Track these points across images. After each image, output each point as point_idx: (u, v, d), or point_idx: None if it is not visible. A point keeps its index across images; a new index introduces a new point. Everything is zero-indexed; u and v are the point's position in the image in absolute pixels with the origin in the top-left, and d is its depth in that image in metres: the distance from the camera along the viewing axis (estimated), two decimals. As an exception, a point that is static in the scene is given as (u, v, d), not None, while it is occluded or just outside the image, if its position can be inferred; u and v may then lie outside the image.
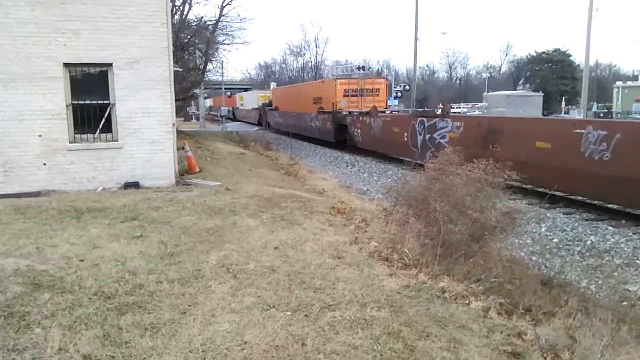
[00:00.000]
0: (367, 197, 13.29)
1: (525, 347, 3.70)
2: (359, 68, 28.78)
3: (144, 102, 10.09)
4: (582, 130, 10.75)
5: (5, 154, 9.43)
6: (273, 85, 54.00)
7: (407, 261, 5.42)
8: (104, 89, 9.99)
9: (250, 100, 51.82)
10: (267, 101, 42.75)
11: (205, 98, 60.41)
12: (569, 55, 67.23)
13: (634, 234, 9.31)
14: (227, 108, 62.15)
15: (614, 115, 46.22)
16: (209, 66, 31.74)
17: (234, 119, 57.36)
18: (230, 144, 23.83)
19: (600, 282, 7.34)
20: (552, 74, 66.66)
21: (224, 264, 5.19)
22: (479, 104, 46.78)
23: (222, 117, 46.94)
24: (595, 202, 11.14)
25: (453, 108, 41.10)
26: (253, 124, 45.22)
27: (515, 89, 62.86)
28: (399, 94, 38.52)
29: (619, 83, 54.64)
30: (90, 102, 9.94)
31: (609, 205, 10.73)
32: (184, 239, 6.10)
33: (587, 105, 28.48)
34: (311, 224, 7.03)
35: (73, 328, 3.72)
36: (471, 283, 4.98)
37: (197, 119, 46.19)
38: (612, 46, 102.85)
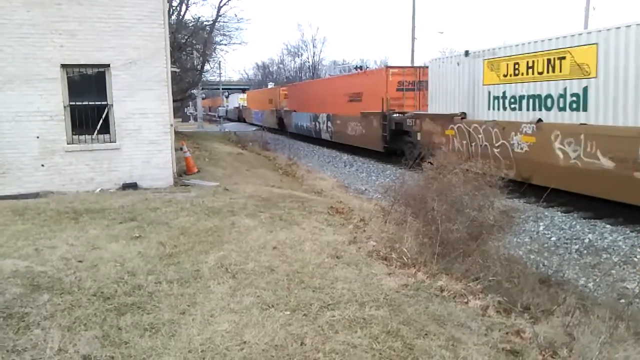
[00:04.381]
0: (366, 196, 13.29)
1: (523, 345, 3.71)
2: (356, 68, 28.87)
3: (141, 103, 10.08)
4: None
5: (3, 155, 9.42)
6: (271, 85, 52.47)
7: (406, 260, 5.43)
8: (102, 90, 9.98)
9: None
10: None
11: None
12: (566, 54, 67.14)
13: (631, 231, 9.34)
14: (224, 108, 62.23)
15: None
16: (207, 66, 31.77)
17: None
18: (228, 144, 23.79)
19: (598, 280, 7.36)
20: (549, 73, 66.54)
21: (223, 264, 5.19)
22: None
23: (219, 117, 46.04)
24: (594, 200, 11.17)
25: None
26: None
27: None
28: None
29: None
30: (88, 103, 9.93)
31: (607, 204, 10.75)
32: (183, 239, 6.10)
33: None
34: (310, 223, 7.03)
35: (72, 329, 3.72)
36: (469, 282, 5.00)
37: (195, 119, 46.18)
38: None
